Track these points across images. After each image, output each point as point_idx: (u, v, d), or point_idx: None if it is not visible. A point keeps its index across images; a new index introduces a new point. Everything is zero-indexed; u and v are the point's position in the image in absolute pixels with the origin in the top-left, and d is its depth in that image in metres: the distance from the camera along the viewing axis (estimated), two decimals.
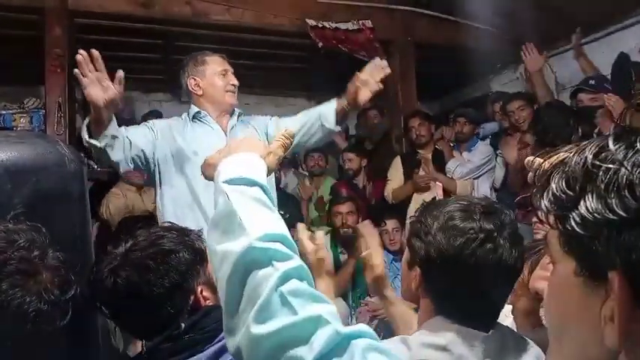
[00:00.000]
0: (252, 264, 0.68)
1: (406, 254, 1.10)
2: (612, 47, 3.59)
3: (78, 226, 1.01)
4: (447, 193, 3.51)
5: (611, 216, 0.41)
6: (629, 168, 0.42)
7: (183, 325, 1.06)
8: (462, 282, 0.96)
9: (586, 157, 0.45)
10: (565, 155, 0.47)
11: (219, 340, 1.02)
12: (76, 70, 1.79)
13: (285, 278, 0.66)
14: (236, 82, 2.29)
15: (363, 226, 1.33)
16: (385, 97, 4.32)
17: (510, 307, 1.41)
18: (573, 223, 0.44)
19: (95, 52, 1.80)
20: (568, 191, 0.45)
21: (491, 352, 0.95)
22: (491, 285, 0.97)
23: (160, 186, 2.18)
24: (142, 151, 2.09)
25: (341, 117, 2.28)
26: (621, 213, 0.41)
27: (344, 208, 3.44)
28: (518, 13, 3.68)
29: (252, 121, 2.38)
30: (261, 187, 0.78)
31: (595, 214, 0.42)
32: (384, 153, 4.38)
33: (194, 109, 2.27)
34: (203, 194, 2.06)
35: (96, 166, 3.63)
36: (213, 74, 2.26)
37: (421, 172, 3.71)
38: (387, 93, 4.21)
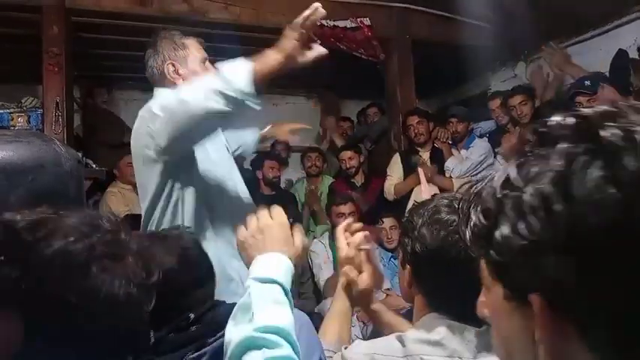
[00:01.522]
0: (246, 349, 0.83)
1: (400, 254, 1.12)
2: (610, 44, 3.59)
3: None
4: (445, 192, 3.52)
5: (520, 241, 0.43)
6: (529, 194, 0.43)
7: (192, 316, 1.07)
8: (449, 274, 0.97)
9: (495, 188, 0.47)
10: (481, 187, 0.50)
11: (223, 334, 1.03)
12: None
13: None
14: None
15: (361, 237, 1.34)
16: (384, 94, 4.32)
17: None
18: (492, 252, 0.46)
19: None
20: (484, 221, 0.48)
21: (484, 347, 0.95)
22: (478, 277, 0.97)
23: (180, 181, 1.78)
24: None
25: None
26: (529, 236, 0.43)
27: (346, 208, 3.42)
28: (517, 10, 3.68)
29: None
30: (282, 287, 0.94)
31: (507, 240, 0.44)
32: (382, 151, 4.38)
33: None
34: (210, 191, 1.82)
35: (94, 165, 3.63)
36: (195, 61, 1.97)
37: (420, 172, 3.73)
38: (386, 91, 4.22)
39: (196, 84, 1.62)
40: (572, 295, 0.41)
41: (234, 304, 1.08)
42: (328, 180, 4.35)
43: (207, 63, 1.99)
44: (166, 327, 1.06)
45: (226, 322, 0.96)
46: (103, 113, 4.43)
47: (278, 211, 1.07)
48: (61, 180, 0.99)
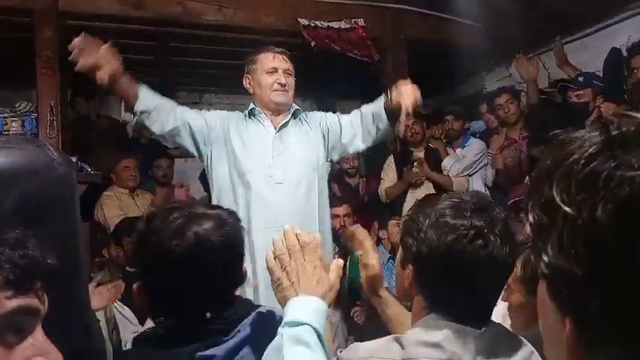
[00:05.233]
0: None
1: (400, 253, 1.10)
2: (604, 42, 3.61)
3: (68, 230, 1.00)
4: (443, 190, 3.52)
5: (566, 266, 0.42)
6: (580, 219, 0.41)
7: (208, 315, 1.02)
8: (454, 278, 0.97)
9: (553, 195, 0.44)
10: (541, 182, 0.47)
11: (237, 333, 1.01)
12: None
13: None
14: (284, 81, 2.29)
15: (355, 229, 1.33)
16: (379, 95, 4.32)
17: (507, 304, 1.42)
18: (542, 265, 0.45)
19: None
20: (541, 225, 0.45)
21: (483, 350, 0.95)
22: (483, 281, 0.97)
23: (211, 173, 2.25)
24: (194, 135, 2.20)
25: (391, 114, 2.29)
26: (574, 266, 0.42)
27: (341, 210, 3.41)
28: (510, 9, 3.69)
29: (307, 117, 2.43)
30: (314, 328, 0.95)
31: (554, 261, 0.43)
32: (378, 151, 4.38)
33: (251, 105, 2.32)
34: (243, 193, 2.16)
35: (89, 169, 3.61)
36: (262, 72, 2.28)
37: (415, 170, 3.73)
38: (381, 91, 4.22)
39: None
40: (604, 329, 0.41)
41: (248, 300, 1.11)
42: None
43: (278, 71, 2.30)
44: (178, 317, 1.00)
45: (239, 319, 0.99)
46: (93, 117, 4.40)
47: (312, 249, 1.04)
48: (55, 185, 0.99)
